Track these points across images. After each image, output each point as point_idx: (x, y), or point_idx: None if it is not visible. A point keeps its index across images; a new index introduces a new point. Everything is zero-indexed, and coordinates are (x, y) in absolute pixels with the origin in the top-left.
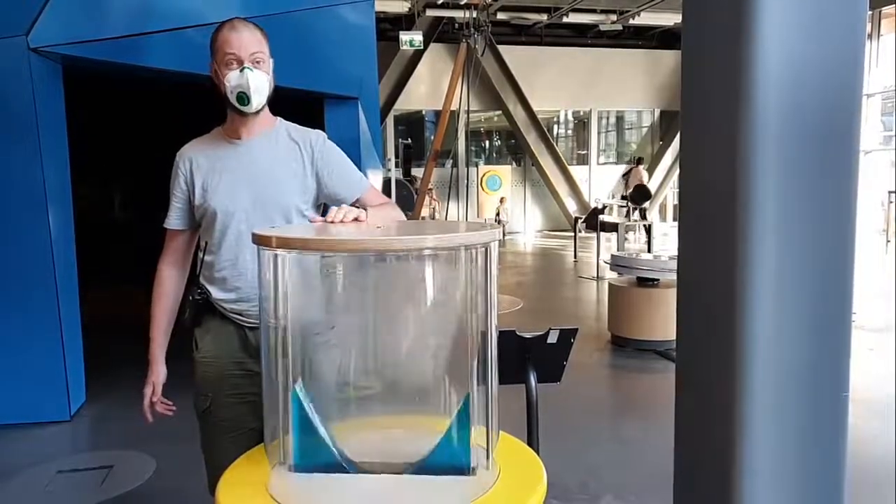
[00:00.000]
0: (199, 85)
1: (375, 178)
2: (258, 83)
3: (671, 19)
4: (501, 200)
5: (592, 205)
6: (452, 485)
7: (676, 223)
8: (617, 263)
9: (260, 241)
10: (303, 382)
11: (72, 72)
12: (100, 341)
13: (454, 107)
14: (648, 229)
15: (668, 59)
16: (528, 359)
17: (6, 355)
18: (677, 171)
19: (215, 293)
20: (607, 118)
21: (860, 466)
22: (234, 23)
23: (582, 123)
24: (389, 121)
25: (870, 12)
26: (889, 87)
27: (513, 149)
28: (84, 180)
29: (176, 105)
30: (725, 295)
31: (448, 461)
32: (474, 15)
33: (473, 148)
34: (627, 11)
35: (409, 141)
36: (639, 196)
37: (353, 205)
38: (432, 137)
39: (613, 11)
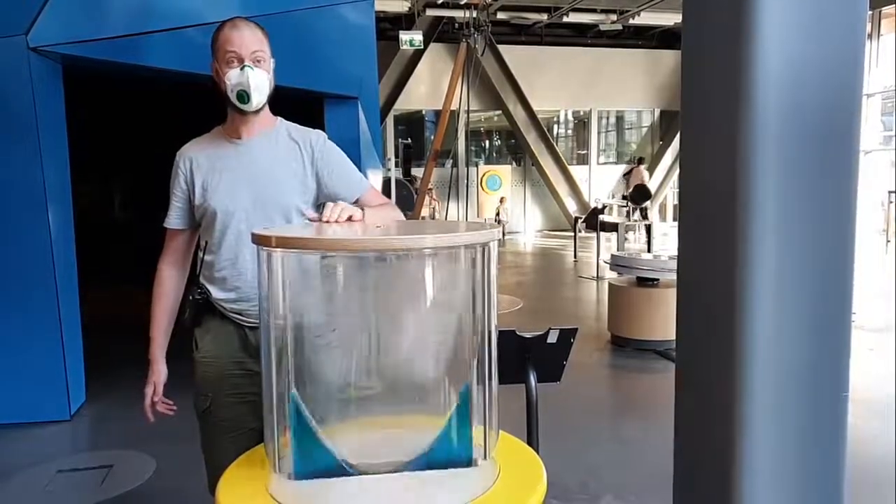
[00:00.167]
0: (199, 85)
1: (375, 178)
2: (258, 81)
3: (671, 19)
4: (501, 200)
5: (592, 205)
6: (454, 479)
7: (676, 223)
8: (617, 263)
9: (259, 240)
10: (302, 383)
11: (72, 71)
12: (100, 341)
13: (454, 107)
14: (648, 229)
15: (668, 59)
16: (528, 358)
17: (6, 355)
18: (677, 171)
19: (215, 293)
20: (607, 118)
21: (860, 466)
22: (236, 21)
23: (582, 123)
24: (389, 121)
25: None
26: (889, 87)
27: (513, 149)
28: (84, 180)
29: (176, 105)
30: (725, 295)
31: (448, 454)
32: (474, 15)
33: (473, 148)
34: (627, 11)
35: (409, 141)
36: (639, 196)
37: (352, 204)
38: (432, 137)
39: (613, 11)
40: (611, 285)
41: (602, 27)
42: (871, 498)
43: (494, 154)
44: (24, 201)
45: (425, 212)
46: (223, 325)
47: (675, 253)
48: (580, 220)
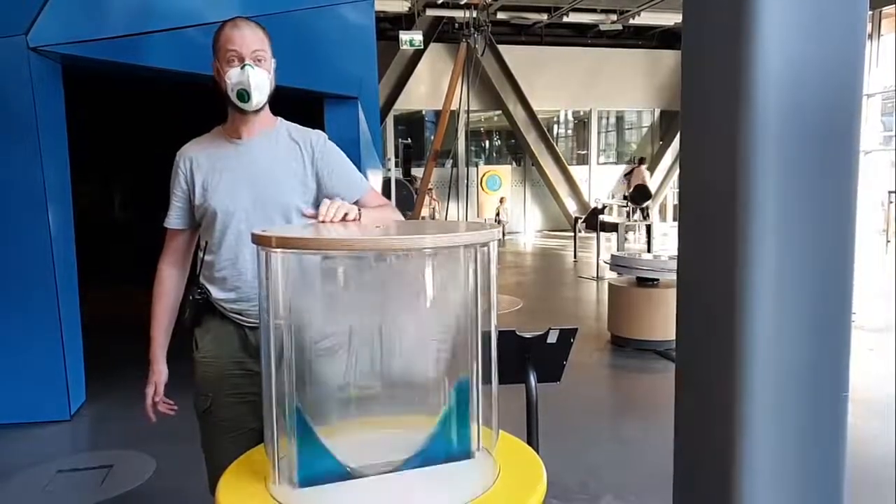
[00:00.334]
0: (199, 85)
1: (375, 178)
2: (259, 80)
3: (671, 19)
4: (501, 200)
5: (592, 205)
6: (455, 478)
7: (676, 223)
8: (617, 263)
9: (259, 241)
10: (302, 383)
11: (72, 71)
12: (100, 341)
13: (454, 107)
14: (648, 229)
15: (668, 59)
16: (528, 359)
17: (6, 355)
18: (677, 171)
19: (215, 293)
20: (607, 118)
21: (860, 466)
22: (237, 21)
23: (582, 123)
24: (389, 121)
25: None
26: (889, 87)
27: (513, 149)
28: (84, 180)
29: (176, 105)
30: (725, 295)
31: (447, 447)
32: (474, 15)
33: (473, 148)
34: (627, 11)
35: (409, 141)
36: (639, 196)
37: (353, 204)
38: (432, 137)
39: (613, 11)
40: (611, 285)
41: (602, 27)
42: (871, 498)
43: (494, 154)
44: (24, 201)
45: (425, 212)
46: (223, 325)
47: (675, 253)
48: (580, 221)
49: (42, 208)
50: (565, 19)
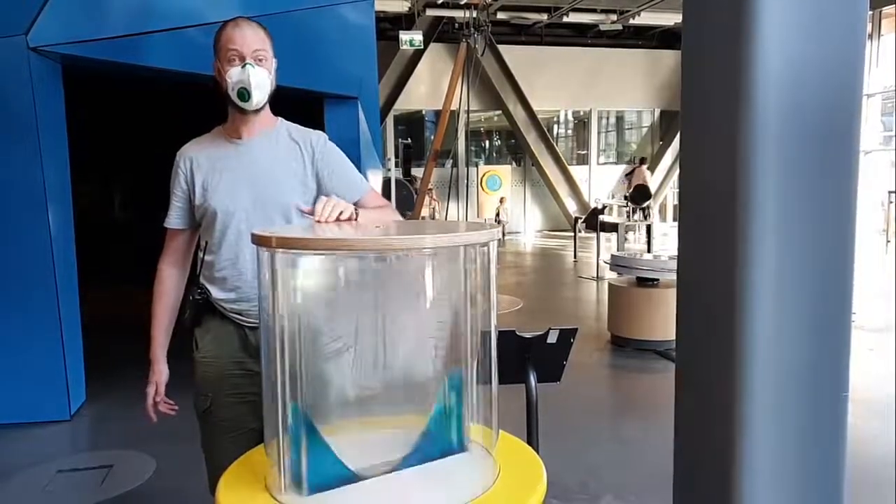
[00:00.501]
0: (199, 85)
1: (375, 178)
2: (259, 80)
3: (671, 19)
4: (501, 200)
5: (592, 205)
6: (454, 478)
7: (676, 223)
8: (617, 263)
9: (259, 241)
10: (302, 384)
11: (72, 71)
12: (100, 341)
13: (454, 107)
14: (648, 229)
15: (668, 59)
16: (528, 359)
17: (6, 355)
18: (677, 171)
19: (215, 293)
20: (607, 118)
21: (860, 466)
22: (238, 21)
23: (582, 123)
24: (389, 121)
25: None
26: (889, 87)
27: (513, 149)
28: (84, 180)
29: (176, 105)
30: (725, 295)
31: (443, 442)
32: (474, 15)
33: (473, 148)
34: (627, 11)
35: (409, 141)
36: (639, 196)
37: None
38: (432, 137)
39: (613, 11)
40: (611, 285)
41: (602, 27)
42: (871, 498)
43: (494, 154)
44: (24, 201)
45: (425, 212)
46: (223, 325)
47: (675, 253)
48: (580, 221)
49: (42, 208)
50: (565, 19)
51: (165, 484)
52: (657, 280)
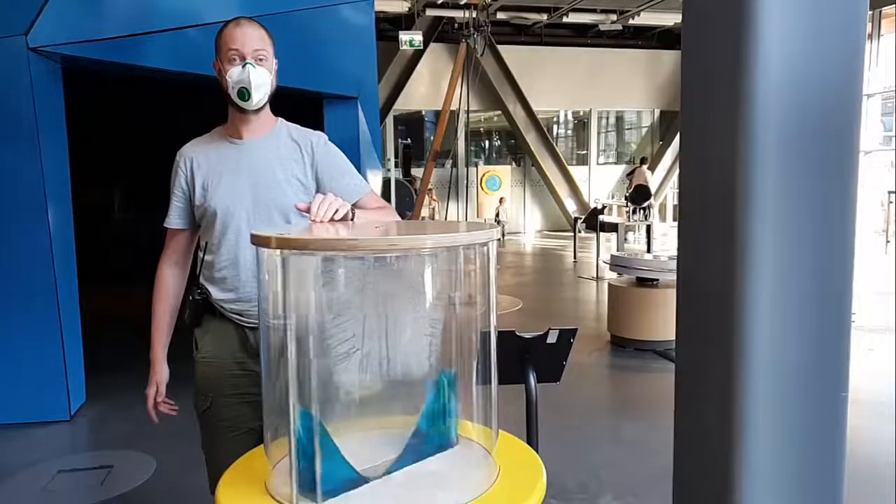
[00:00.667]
0: (198, 85)
1: (375, 179)
2: (259, 79)
3: (671, 19)
4: (501, 201)
5: (592, 205)
6: (454, 478)
7: (676, 223)
8: (616, 264)
9: (259, 241)
10: (301, 384)
11: (72, 71)
12: (100, 341)
13: (454, 107)
14: (648, 229)
15: (668, 59)
16: (528, 359)
17: (6, 355)
18: (677, 171)
19: (215, 293)
20: (607, 118)
21: (860, 466)
22: (240, 20)
23: (582, 123)
24: (389, 121)
25: (870, 12)
26: (889, 87)
27: (512, 149)
28: (84, 180)
29: (176, 105)
30: (725, 295)
31: (437, 439)
32: (474, 15)
33: (473, 148)
34: (627, 11)
35: (409, 141)
36: (639, 196)
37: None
38: (432, 137)
39: (613, 11)
40: (610, 286)
41: (602, 27)
42: (871, 498)
43: (494, 154)
44: (23, 201)
45: (425, 212)
46: (223, 326)
47: (675, 253)
48: (580, 221)
49: (42, 208)
50: (565, 19)
51: (165, 484)
52: (657, 280)
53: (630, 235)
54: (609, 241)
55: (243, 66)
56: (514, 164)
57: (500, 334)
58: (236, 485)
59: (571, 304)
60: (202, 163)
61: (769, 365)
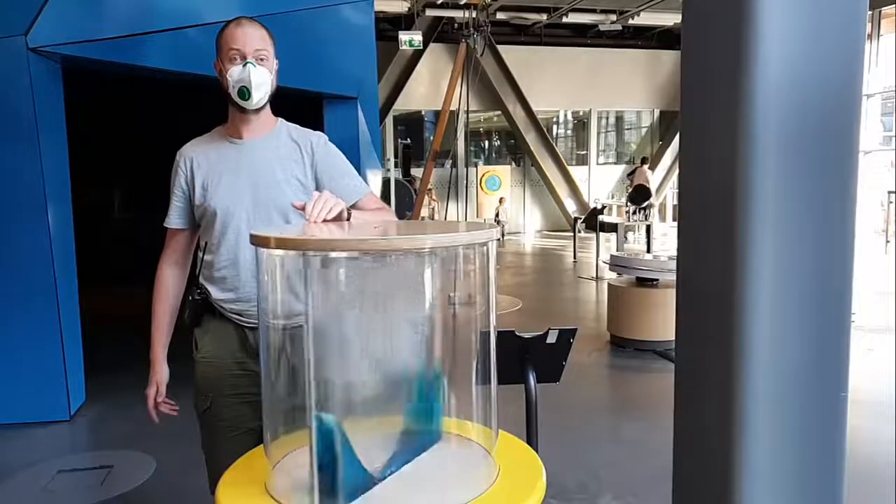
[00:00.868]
0: (198, 85)
1: (374, 179)
2: (260, 79)
3: (671, 19)
4: (501, 201)
5: (592, 205)
6: (454, 478)
7: (676, 223)
8: (616, 264)
9: (258, 241)
10: (301, 384)
11: (72, 71)
12: (100, 341)
13: (454, 107)
14: (648, 229)
15: (668, 59)
16: (528, 359)
17: (6, 355)
18: (677, 171)
19: (214, 293)
20: (607, 118)
21: (860, 466)
22: (241, 20)
23: (581, 123)
24: (389, 121)
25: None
26: (889, 87)
27: (512, 149)
28: (84, 180)
29: (176, 105)
30: (725, 295)
31: (429, 435)
32: (474, 15)
33: (473, 148)
34: (627, 11)
35: (409, 141)
36: (639, 196)
37: (350, 208)
38: (431, 138)
39: (613, 11)
40: (610, 286)
41: (602, 27)
42: (871, 498)
43: (494, 154)
44: (23, 201)
45: (425, 212)
46: (223, 326)
47: (675, 253)
48: (580, 221)
49: (42, 208)
50: (565, 19)
51: (165, 484)
52: (657, 280)
53: (630, 235)
54: (609, 241)
55: (244, 66)
56: (513, 164)
57: (500, 334)
58: (236, 485)
59: (571, 304)
60: (202, 162)
61: (769, 365)
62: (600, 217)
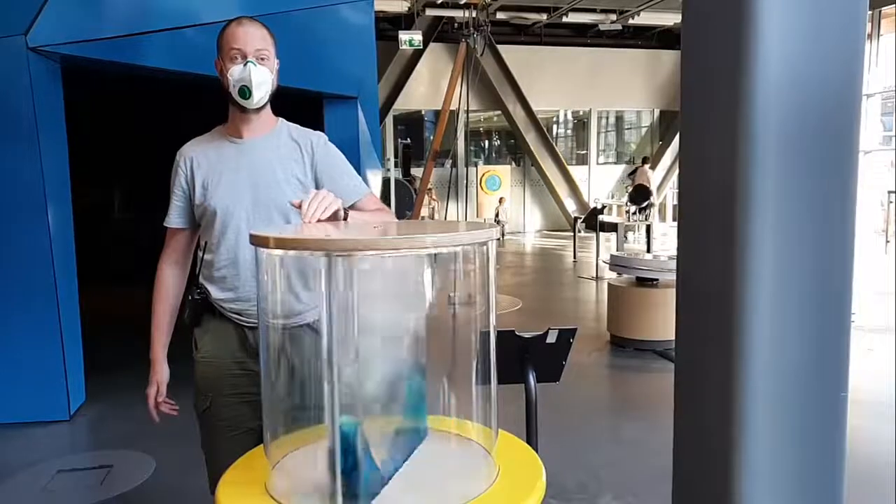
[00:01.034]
0: (199, 85)
1: (374, 179)
2: (261, 78)
3: (671, 19)
4: (501, 200)
5: (592, 205)
6: (454, 478)
7: (676, 223)
8: (616, 263)
9: (257, 241)
10: (300, 384)
11: (71, 71)
12: (100, 341)
13: (454, 107)
14: (648, 229)
15: (668, 59)
16: (528, 359)
17: (6, 355)
18: (677, 171)
19: (214, 293)
20: (607, 118)
21: (860, 466)
22: (242, 20)
23: (581, 123)
24: (389, 121)
25: (870, 12)
26: (889, 87)
27: (512, 149)
28: (84, 180)
29: (176, 105)
30: (725, 295)
31: (413, 434)
32: (474, 14)
33: (473, 148)
34: (627, 11)
35: (409, 141)
36: (638, 196)
37: (350, 208)
38: (431, 137)
39: (613, 11)
40: (610, 285)
41: (602, 27)
42: (871, 498)
43: (494, 154)
44: (23, 201)
45: (425, 212)
46: (222, 325)
47: (675, 253)
48: (580, 221)
49: (42, 208)
50: (565, 19)
51: (165, 484)
52: (657, 280)
53: (630, 235)
54: (609, 241)
55: (245, 65)
56: (513, 163)
57: (500, 334)
58: (236, 485)
59: (571, 304)
60: (202, 162)
61: (769, 365)
62: (600, 217)
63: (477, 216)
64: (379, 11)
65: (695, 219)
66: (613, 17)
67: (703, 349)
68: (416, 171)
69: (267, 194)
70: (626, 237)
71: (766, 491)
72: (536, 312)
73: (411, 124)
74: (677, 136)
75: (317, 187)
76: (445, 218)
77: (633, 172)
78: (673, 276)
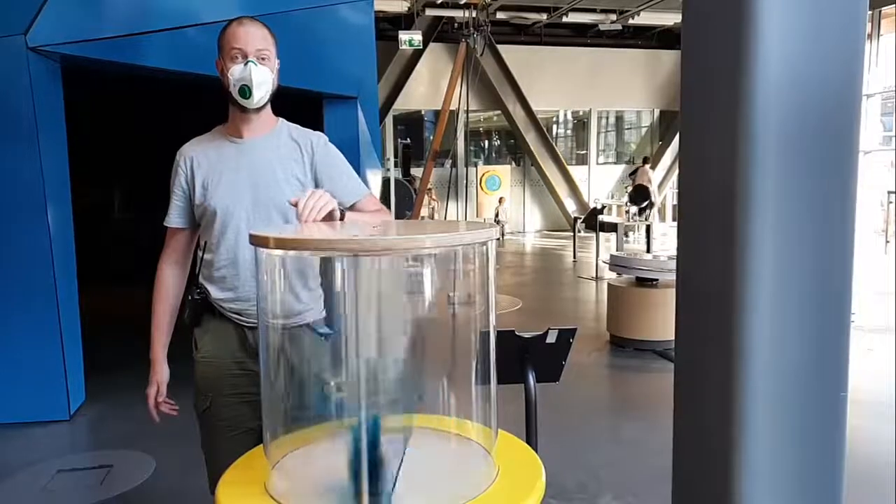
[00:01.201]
0: (199, 85)
1: (374, 178)
2: (261, 77)
3: (671, 19)
4: (500, 200)
5: (591, 205)
6: (453, 478)
7: (676, 223)
8: (616, 263)
9: (257, 241)
10: (300, 384)
11: (71, 71)
12: (100, 341)
13: (453, 106)
14: (648, 229)
15: (668, 59)
16: (527, 359)
17: (6, 355)
18: (677, 171)
19: (214, 292)
20: (607, 118)
21: (860, 466)
22: (243, 19)
23: (581, 123)
24: (388, 121)
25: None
26: (889, 87)
27: (512, 149)
28: (84, 180)
29: (176, 105)
30: (725, 295)
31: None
32: (474, 14)
33: (473, 148)
34: (627, 11)
35: (409, 141)
36: (638, 196)
37: (349, 208)
38: (431, 137)
39: (613, 11)
40: (610, 285)
41: (602, 27)
42: (871, 498)
43: (494, 154)
44: (23, 201)
45: (424, 212)
46: (222, 325)
47: (675, 253)
48: (579, 221)
49: (41, 208)
50: (565, 19)
51: (165, 484)
52: (656, 280)
53: (630, 235)
54: (608, 241)
55: (245, 65)
56: (513, 163)
57: (500, 334)
58: (236, 484)
59: (571, 304)
60: (202, 162)
61: (769, 365)
62: (600, 217)
63: (477, 216)
64: (379, 11)
65: (695, 219)
66: (613, 17)
67: (702, 349)
68: (416, 171)
69: (267, 194)
70: (625, 237)
71: (766, 491)
72: (536, 312)
73: (411, 124)
74: (677, 136)
75: (316, 187)
76: (445, 218)
77: (634, 172)
78: (673, 276)
